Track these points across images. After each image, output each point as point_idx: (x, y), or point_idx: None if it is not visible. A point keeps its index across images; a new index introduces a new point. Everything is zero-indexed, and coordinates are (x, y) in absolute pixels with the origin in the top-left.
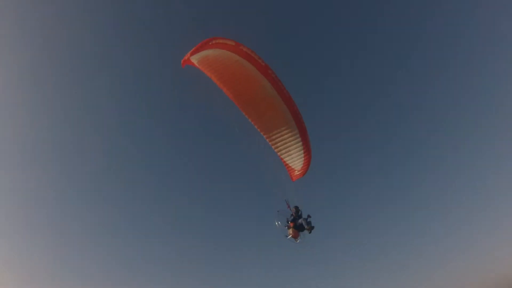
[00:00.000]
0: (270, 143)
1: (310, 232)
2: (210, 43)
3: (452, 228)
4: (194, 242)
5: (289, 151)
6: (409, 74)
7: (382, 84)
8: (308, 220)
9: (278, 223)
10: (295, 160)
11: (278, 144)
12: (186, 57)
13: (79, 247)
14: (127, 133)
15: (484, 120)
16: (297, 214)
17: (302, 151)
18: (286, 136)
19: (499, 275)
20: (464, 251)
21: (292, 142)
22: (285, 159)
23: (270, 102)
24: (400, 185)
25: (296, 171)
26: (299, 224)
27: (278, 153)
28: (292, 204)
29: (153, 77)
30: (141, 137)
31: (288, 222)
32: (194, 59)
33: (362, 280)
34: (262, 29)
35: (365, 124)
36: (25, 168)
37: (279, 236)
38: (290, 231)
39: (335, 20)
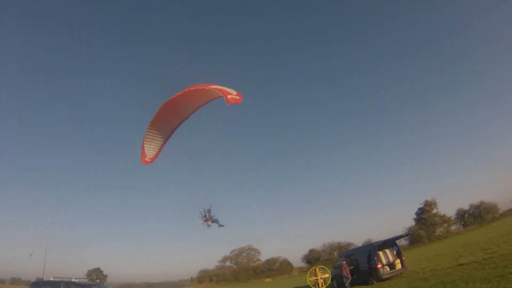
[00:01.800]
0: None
1: (220, 226)
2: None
3: None
4: None
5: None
6: None
7: None
8: (215, 218)
9: (204, 222)
10: (227, 90)
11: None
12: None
13: None
14: None
15: None
16: (207, 213)
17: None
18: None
19: None
20: None
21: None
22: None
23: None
24: None
25: (231, 95)
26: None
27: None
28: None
29: None
30: None
31: (207, 219)
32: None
33: None
34: None
35: None
36: None
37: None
38: (206, 224)
39: None
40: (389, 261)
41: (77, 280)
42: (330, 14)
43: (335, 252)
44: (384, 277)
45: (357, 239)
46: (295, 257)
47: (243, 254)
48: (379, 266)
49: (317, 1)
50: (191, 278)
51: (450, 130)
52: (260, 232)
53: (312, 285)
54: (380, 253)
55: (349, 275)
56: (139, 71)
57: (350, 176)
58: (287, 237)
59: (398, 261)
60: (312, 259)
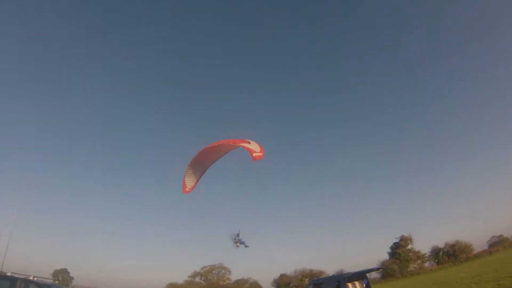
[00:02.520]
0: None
1: (245, 246)
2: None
3: None
4: None
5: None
6: None
7: None
8: (242, 240)
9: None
10: (252, 147)
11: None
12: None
13: None
14: None
15: None
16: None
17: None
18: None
19: None
20: None
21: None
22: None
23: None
24: None
25: (256, 153)
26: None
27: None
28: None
29: None
30: None
31: (236, 241)
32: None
33: None
34: None
35: None
36: None
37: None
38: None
39: None
40: None
41: (35, 279)
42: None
43: (306, 279)
44: None
45: (330, 268)
46: (266, 280)
47: (213, 272)
48: None
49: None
50: None
51: (432, 168)
52: (233, 251)
53: None
54: (350, 284)
55: None
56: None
57: (328, 205)
58: (260, 259)
59: None
60: (282, 284)
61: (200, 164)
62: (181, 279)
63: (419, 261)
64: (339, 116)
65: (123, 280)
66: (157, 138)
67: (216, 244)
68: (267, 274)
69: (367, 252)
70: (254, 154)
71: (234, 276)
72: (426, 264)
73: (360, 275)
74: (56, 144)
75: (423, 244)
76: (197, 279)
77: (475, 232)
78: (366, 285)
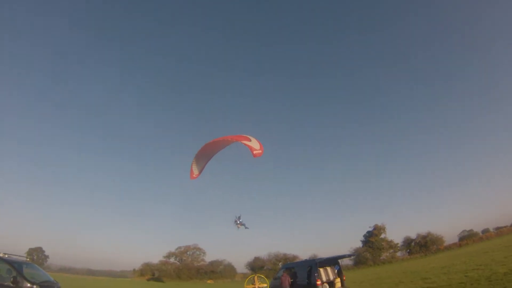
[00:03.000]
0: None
1: (245, 228)
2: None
3: None
4: None
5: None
6: None
7: None
8: (242, 222)
9: (236, 225)
10: (253, 144)
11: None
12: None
13: None
14: None
15: None
16: (238, 219)
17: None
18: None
19: None
20: None
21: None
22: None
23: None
24: None
25: (256, 150)
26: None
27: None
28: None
29: None
30: None
31: (236, 223)
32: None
33: None
34: None
35: None
36: None
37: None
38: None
39: None
40: (329, 279)
41: (6, 256)
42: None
43: (280, 263)
44: None
45: (304, 253)
46: (240, 263)
47: (188, 252)
48: (318, 282)
49: None
50: (134, 269)
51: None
52: (208, 232)
53: None
54: (321, 269)
55: None
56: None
57: (304, 191)
58: (234, 241)
59: (338, 280)
60: (256, 266)
61: (205, 155)
62: (156, 259)
63: (391, 250)
64: (313, 101)
65: (98, 259)
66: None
67: (191, 226)
68: (241, 257)
69: (341, 239)
70: (254, 152)
71: (209, 258)
72: (398, 254)
73: (332, 261)
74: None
75: (396, 234)
76: (172, 260)
77: (447, 225)
78: (338, 271)
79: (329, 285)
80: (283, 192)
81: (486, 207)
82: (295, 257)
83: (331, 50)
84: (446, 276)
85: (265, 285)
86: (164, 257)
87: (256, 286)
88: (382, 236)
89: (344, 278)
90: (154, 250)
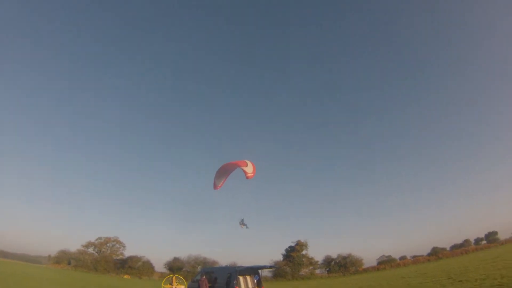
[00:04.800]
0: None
1: (247, 227)
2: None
3: None
4: None
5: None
6: None
7: None
8: (244, 222)
9: (240, 225)
10: (247, 169)
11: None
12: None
13: None
14: None
15: None
16: (242, 221)
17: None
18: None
19: None
20: None
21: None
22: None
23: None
24: None
25: (248, 174)
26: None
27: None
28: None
29: None
30: None
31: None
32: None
33: None
34: None
35: None
36: None
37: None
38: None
39: None
40: (248, 287)
41: None
42: None
43: (199, 267)
44: None
45: (223, 259)
46: (158, 261)
47: (108, 244)
48: None
49: None
50: (49, 256)
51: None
52: (131, 226)
53: None
54: (241, 278)
55: None
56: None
57: (230, 201)
58: (156, 238)
59: None
60: (174, 267)
61: (221, 173)
62: (73, 247)
63: (311, 267)
64: None
65: (11, 240)
66: None
67: (115, 217)
68: (161, 255)
69: (263, 250)
70: (247, 175)
71: (128, 252)
72: (317, 271)
73: (252, 271)
74: None
75: (317, 252)
76: (91, 250)
77: (367, 249)
78: (257, 281)
79: None
80: (208, 197)
81: (405, 236)
82: (214, 262)
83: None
84: None
85: (182, 286)
86: (83, 246)
87: (174, 287)
88: (304, 252)
89: None
90: (73, 237)
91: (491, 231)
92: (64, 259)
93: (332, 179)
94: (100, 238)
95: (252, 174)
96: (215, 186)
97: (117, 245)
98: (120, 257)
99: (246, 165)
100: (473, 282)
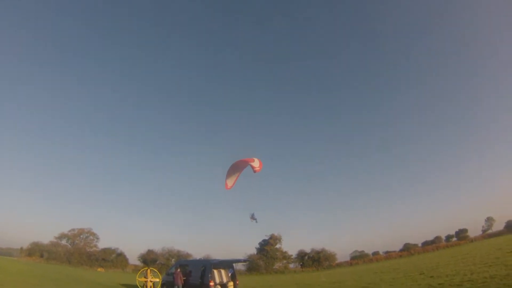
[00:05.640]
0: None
1: (256, 221)
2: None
3: None
4: None
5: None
6: None
7: None
8: (254, 217)
9: (251, 219)
10: (254, 164)
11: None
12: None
13: None
14: None
15: None
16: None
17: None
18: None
19: None
20: None
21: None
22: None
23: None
24: None
25: (256, 168)
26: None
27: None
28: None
29: None
30: None
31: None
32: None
33: None
34: None
35: None
36: None
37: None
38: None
39: None
40: (222, 281)
41: None
42: None
43: (173, 259)
44: None
45: (198, 253)
46: (132, 253)
47: (81, 236)
48: (212, 284)
49: None
50: (21, 248)
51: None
52: (105, 217)
53: (140, 286)
54: (215, 271)
55: (182, 285)
56: None
57: (207, 192)
58: (130, 230)
59: (231, 283)
60: (149, 259)
61: (232, 172)
62: (46, 239)
63: (284, 261)
64: None
65: None
66: None
67: (88, 207)
68: (135, 247)
69: (237, 244)
70: (255, 169)
71: (102, 244)
72: (291, 265)
73: (227, 264)
74: None
75: (291, 246)
76: (64, 242)
77: (340, 244)
78: (231, 275)
79: (221, 287)
80: (189, 189)
81: (378, 232)
82: (188, 255)
83: None
84: None
85: (157, 279)
86: (56, 237)
87: (149, 280)
88: (278, 246)
89: (237, 282)
90: (46, 229)
91: (461, 228)
92: (36, 251)
93: (305, 173)
94: (73, 229)
95: (259, 169)
96: (226, 186)
97: (91, 237)
98: (93, 249)
99: (253, 161)
100: (444, 277)
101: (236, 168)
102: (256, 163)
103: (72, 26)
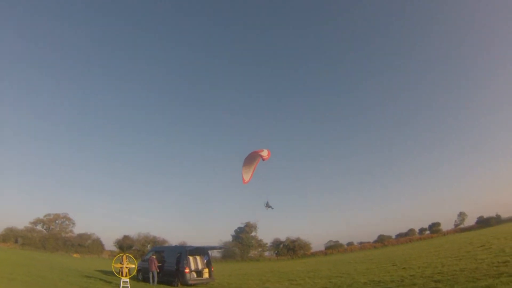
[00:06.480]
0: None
1: (272, 208)
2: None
3: None
4: None
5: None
6: None
7: None
8: (269, 204)
9: (266, 207)
10: (263, 153)
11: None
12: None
13: None
14: None
15: None
16: (267, 203)
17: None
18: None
19: None
20: None
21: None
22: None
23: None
24: None
25: (265, 156)
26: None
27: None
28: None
29: None
30: None
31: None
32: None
33: None
34: None
35: None
36: None
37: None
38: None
39: None
40: (197, 268)
41: None
42: None
43: (149, 245)
44: (190, 282)
45: (173, 239)
46: (108, 239)
47: (57, 221)
48: (187, 270)
49: None
50: None
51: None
52: (81, 202)
53: (116, 272)
54: (191, 258)
55: (157, 271)
56: None
57: (185, 179)
58: (107, 216)
59: (206, 270)
60: (124, 245)
61: (248, 165)
62: (21, 224)
63: (260, 249)
64: None
65: None
66: None
67: (64, 192)
68: (111, 233)
69: (212, 231)
70: (263, 158)
71: (78, 230)
72: (266, 253)
73: (201, 251)
74: None
75: (266, 234)
76: (39, 227)
77: (315, 234)
78: (207, 261)
79: (197, 274)
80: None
81: (353, 223)
82: (164, 241)
83: None
84: (312, 280)
85: (133, 265)
86: (31, 223)
87: (124, 266)
88: (253, 234)
89: (212, 269)
90: (20, 214)
91: (434, 222)
92: (11, 237)
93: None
94: (48, 214)
95: (267, 157)
96: (244, 181)
97: (67, 222)
98: (69, 234)
99: (263, 151)
100: (415, 269)
101: (249, 160)
102: (264, 153)
103: (71, 26)
